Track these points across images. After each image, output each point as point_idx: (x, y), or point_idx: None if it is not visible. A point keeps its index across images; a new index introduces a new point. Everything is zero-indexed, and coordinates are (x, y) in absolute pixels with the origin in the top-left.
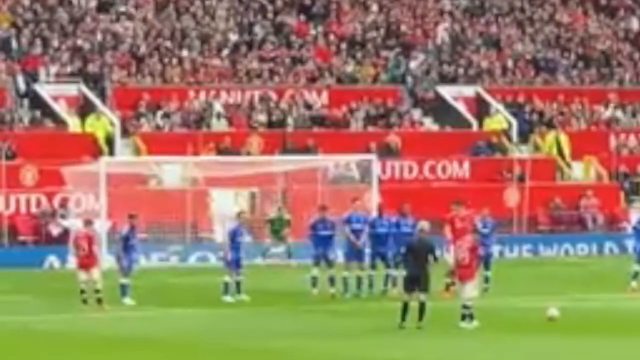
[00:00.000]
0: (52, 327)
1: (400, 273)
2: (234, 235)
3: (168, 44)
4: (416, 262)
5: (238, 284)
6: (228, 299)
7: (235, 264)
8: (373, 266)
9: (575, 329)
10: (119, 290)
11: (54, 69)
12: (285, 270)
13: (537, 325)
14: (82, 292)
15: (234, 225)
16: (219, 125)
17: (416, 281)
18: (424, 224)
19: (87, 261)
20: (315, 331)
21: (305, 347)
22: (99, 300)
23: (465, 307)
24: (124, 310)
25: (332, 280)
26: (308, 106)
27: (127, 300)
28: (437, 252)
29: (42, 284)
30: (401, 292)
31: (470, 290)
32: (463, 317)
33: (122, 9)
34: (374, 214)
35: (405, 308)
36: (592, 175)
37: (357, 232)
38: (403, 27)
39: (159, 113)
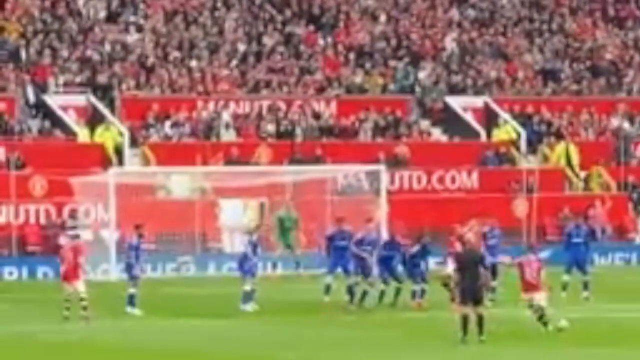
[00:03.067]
0: (60, 338)
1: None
2: (254, 247)
3: (177, 54)
4: (468, 274)
5: (250, 292)
6: (247, 308)
7: (250, 273)
8: (384, 281)
9: (585, 339)
10: (126, 300)
11: (63, 79)
12: (296, 281)
13: (546, 336)
14: (67, 300)
15: (255, 236)
16: (228, 136)
17: (470, 294)
18: (470, 236)
19: (73, 273)
20: (325, 341)
21: (314, 357)
22: (84, 308)
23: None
24: (132, 320)
25: (350, 290)
26: (317, 116)
27: (135, 311)
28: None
29: (51, 295)
30: (457, 305)
31: (542, 298)
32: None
33: (131, 19)
34: (384, 235)
35: (465, 321)
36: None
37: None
38: (412, 38)
39: (168, 123)
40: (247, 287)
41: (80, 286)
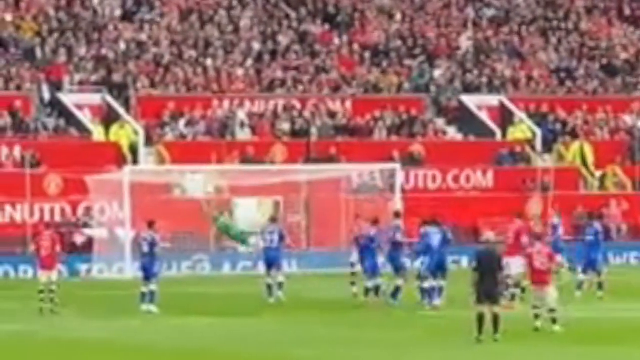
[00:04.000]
0: (75, 336)
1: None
2: (281, 238)
3: (192, 52)
4: (487, 273)
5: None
6: (271, 300)
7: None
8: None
9: (599, 338)
10: (142, 298)
11: (78, 78)
12: (311, 279)
13: (560, 334)
14: (42, 292)
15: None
16: (243, 134)
17: (488, 293)
18: (490, 234)
19: (50, 262)
20: (340, 340)
21: (328, 356)
22: (52, 300)
23: (552, 310)
24: (147, 318)
25: (377, 290)
26: (332, 115)
27: (152, 308)
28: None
29: (67, 293)
30: (474, 304)
31: (553, 293)
32: (554, 321)
33: (147, 17)
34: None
35: (480, 320)
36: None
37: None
38: (427, 36)
39: (183, 122)
40: (269, 280)
41: (54, 276)
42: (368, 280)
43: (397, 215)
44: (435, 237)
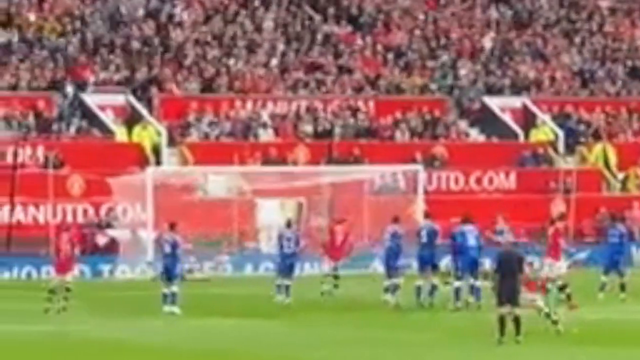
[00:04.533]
0: (97, 336)
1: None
2: (297, 242)
3: (216, 52)
4: (507, 275)
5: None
6: (280, 299)
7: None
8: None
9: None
10: (163, 299)
11: (101, 78)
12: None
13: (581, 335)
14: (51, 291)
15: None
16: (266, 135)
17: (509, 295)
18: (507, 237)
19: (66, 265)
20: (361, 342)
21: (349, 358)
22: (66, 299)
23: (547, 315)
24: (169, 319)
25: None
26: (354, 116)
27: (175, 309)
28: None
29: (91, 293)
30: (495, 306)
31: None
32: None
33: (171, 18)
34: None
35: (502, 322)
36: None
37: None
38: (450, 37)
39: (206, 122)
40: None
41: (69, 277)
42: (390, 279)
43: (426, 215)
44: (470, 236)
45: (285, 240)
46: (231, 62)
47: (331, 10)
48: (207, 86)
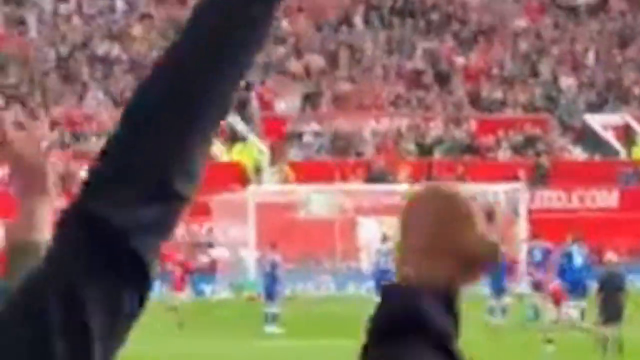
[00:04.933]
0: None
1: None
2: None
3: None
4: (610, 295)
5: None
6: None
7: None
8: None
9: None
10: (265, 318)
11: None
12: None
13: None
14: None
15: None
16: (368, 153)
17: (611, 315)
18: (612, 256)
19: (180, 285)
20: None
21: None
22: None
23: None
24: (271, 339)
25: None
26: (456, 134)
27: (276, 329)
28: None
29: (192, 313)
30: (598, 326)
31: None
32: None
33: (274, 31)
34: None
35: (604, 342)
36: None
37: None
38: (553, 53)
39: (306, 139)
40: None
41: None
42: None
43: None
44: (579, 256)
45: (383, 255)
46: (335, 76)
47: (433, 27)
48: (309, 102)
